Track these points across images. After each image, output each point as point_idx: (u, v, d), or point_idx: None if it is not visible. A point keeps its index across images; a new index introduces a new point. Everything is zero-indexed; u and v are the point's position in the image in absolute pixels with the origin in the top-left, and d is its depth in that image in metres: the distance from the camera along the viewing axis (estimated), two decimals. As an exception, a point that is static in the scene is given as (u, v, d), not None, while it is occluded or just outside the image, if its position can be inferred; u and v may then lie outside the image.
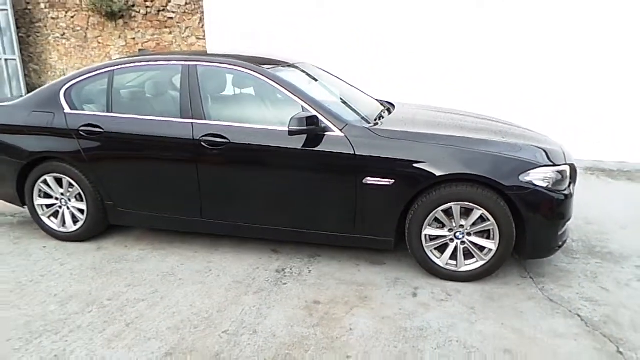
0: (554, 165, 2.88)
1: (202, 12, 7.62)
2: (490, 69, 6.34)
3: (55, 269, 3.20)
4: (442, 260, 3.00)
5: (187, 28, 7.80)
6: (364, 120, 3.19)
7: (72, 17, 8.31)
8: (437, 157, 2.85)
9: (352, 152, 2.93)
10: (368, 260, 3.33)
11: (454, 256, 2.99)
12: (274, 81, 3.16)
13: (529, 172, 2.80)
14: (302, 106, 3.06)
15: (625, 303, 2.77)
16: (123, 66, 3.47)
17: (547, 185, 2.81)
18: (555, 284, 3.00)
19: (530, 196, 2.78)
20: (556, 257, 3.29)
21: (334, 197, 3.04)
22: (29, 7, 8.49)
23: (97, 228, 3.60)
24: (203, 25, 7.68)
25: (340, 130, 2.99)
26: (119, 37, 8.17)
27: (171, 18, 7.82)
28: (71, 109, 3.45)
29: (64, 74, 8.72)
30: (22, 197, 3.66)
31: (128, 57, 3.64)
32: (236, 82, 3.57)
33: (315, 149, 2.97)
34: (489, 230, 2.89)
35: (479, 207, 2.83)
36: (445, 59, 6.45)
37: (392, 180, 2.89)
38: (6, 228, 3.93)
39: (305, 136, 3.00)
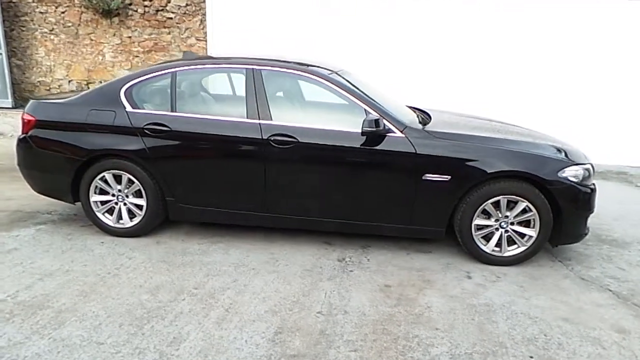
0: (582, 163, 3.38)
1: (203, 14, 7.72)
2: (471, 76, 6.92)
3: (126, 263, 3.31)
4: (488, 247, 3.41)
5: (187, 29, 7.85)
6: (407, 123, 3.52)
7: (63, 12, 8.11)
8: (488, 156, 3.26)
9: (414, 151, 3.28)
10: (415, 249, 3.70)
11: (497, 243, 3.41)
12: (337, 86, 3.45)
13: (564, 169, 3.27)
14: (364, 110, 3.37)
15: (643, 279, 3.31)
16: (185, 68, 3.64)
17: (578, 181, 3.30)
18: (580, 265, 3.50)
19: (566, 190, 3.25)
20: (574, 244, 3.79)
21: (395, 191, 3.38)
22: (13, 0, 8.19)
23: (153, 223, 3.73)
24: (203, 27, 7.77)
25: (401, 131, 3.34)
26: (114, 35, 8.07)
27: (170, 18, 7.84)
28: (133, 107, 3.57)
29: (51, 70, 8.49)
30: (75, 193, 3.72)
31: (189, 59, 3.79)
32: (298, 86, 3.82)
33: (382, 148, 3.30)
34: (529, 220, 3.33)
35: (524, 200, 3.26)
36: (450, 64, 6.95)
37: (449, 177, 3.27)
38: (51, 226, 3.94)
39: (366, 137, 3.32)
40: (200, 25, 7.79)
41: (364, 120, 3.21)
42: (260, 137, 3.38)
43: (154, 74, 3.64)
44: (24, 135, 3.73)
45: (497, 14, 6.75)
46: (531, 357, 2.41)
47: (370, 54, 7.09)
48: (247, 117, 3.46)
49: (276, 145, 3.37)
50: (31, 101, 3.85)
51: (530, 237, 3.35)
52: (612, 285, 3.20)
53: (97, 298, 2.83)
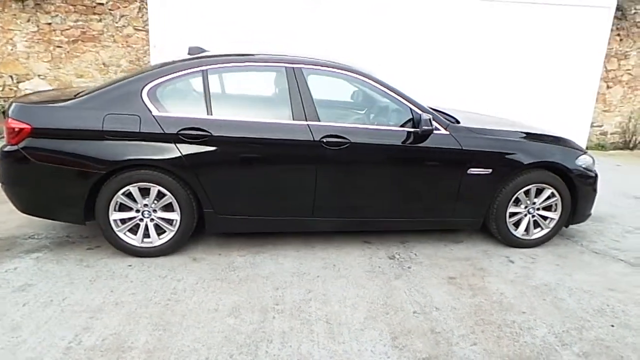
0: (587, 152, 3.87)
1: (142, 0, 6.97)
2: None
3: (179, 286, 2.96)
4: (518, 232, 3.74)
5: (122, 16, 7.03)
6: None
7: (-44, -8, 6.70)
8: (523, 149, 3.56)
9: (460, 148, 3.44)
10: (448, 240, 3.89)
11: (525, 228, 3.76)
12: (383, 85, 3.45)
13: (579, 157, 3.72)
14: (410, 109, 3.43)
15: (637, 247, 3.91)
16: (216, 66, 3.31)
17: (587, 167, 3.77)
18: (586, 241, 4.03)
19: (580, 176, 3.70)
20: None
21: (441, 186, 3.52)
22: None
23: (185, 239, 3.37)
24: (143, 15, 7.04)
25: (445, 129, 3.47)
26: (28, 20, 6.91)
27: (101, 4, 6.94)
28: (160, 111, 3.16)
29: (-60, 63, 6.97)
30: (87, 212, 3.20)
31: (218, 55, 3.42)
32: (339, 85, 3.71)
33: (430, 145, 3.40)
34: (551, 205, 3.73)
35: (550, 187, 3.64)
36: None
37: (491, 170, 3.51)
38: (49, 253, 3.33)
39: (413, 135, 3.40)
40: (139, 12, 7.04)
41: (421, 120, 3.27)
42: (312, 139, 3.25)
43: (181, 73, 3.25)
44: (14, 146, 3.07)
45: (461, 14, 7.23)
46: (612, 325, 2.75)
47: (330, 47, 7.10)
48: (294, 119, 3.29)
49: (328, 147, 3.27)
50: (15, 104, 3.17)
51: (552, 219, 3.75)
52: (621, 256, 3.75)
53: (180, 330, 2.50)
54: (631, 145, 8.36)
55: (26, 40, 6.97)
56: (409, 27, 7.17)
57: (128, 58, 7.20)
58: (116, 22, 7.04)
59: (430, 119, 3.30)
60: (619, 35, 7.92)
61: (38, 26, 6.93)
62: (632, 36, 7.96)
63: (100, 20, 7.00)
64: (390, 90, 3.46)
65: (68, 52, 7.07)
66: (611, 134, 8.43)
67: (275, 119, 3.32)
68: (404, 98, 3.46)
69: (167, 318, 2.61)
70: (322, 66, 3.43)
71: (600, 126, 8.34)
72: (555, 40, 7.49)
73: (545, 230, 3.78)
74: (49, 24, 6.94)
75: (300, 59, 3.42)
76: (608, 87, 8.14)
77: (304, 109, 3.30)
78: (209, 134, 3.15)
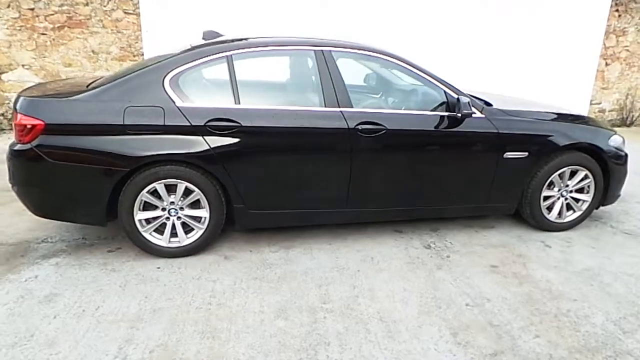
0: (616, 132, 3.80)
1: (132, -18, 6.57)
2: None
3: (217, 288, 2.79)
4: (551, 216, 3.67)
5: (110, 0, 6.62)
6: None
7: None
8: (559, 130, 3.47)
9: (496, 131, 3.33)
10: (478, 225, 3.80)
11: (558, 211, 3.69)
12: (416, 68, 3.29)
13: (611, 138, 3.65)
14: (444, 92, 3.29)
15: (665, 227, 3.91)
16: (241, 51, 3.09)
17: (618, 147, 3.71)
18: (614, 221, 3.99)
19: (613, 157, 3.64)
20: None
21: (478, 172, 3.40)
22: None
23: (214, 237, 3.19)
24: (133, -2, 6.64)
25: (481, 112, 3.34)
26: (8, 6, 6.43)
27: (88, -14, 6.52)
28: (184, 101, 2.94)
29: None
30: (109, 212, 2.98)
31: (241, 39, 3.19)
32: (369, 69, 3.53)
33: (468, 130, 3.27)
34: (583, 187, 3.66)
35: (584, 169, 3.56)
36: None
37: (527, 153, 3.40)
38: (68, 257, 3.10)
39: (451, 119, 3.26)
40: (128, -5, 6.64)
41: (461, 104, 3.13)
42: (346, 127, 3.08)
43: (204, 59, 3.02)
44: (26, 145, 2.81)
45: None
46: (666, 309, 2.71)
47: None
48: (326, 106, 3.11)
49: (364, 135, 3.11)
50: (24, 99, 2.90)
51: (585, 202, 3.69)
52: (652, 236, 3.74)
53: (230, 336, 2.35)
54: (628, 122, 8.42)
55: (7, 28, 6.51)
56: (408, 9, 6.97)
57: (119, 44, 6.81)
58: (104, 6, 6.63)
59: (469, 102, 3.16)
60: (617, 11, 7.89)
61: (20, 12, 6.47)
62: (631, 12, 7.94)
63: (87, 4, 6.58)
64: (424, 73, 3.30)
65: (54, 39, 6.64)
66: (609, 111, 8.47)
67: (307, 106, 3.14)
68: (437, 80, 3.31)
69: (213, 324, 2.44)
70: (352, 48, 3.24)
71: (599, 104, 8.36)
72: (555, 17, 7.40)
73: (578, 213, 3.72)
74: (32, 9, 6.48)
75: (328, 41, 3.22)
76: (606, 64, 8.14)
77: (336, 94, 3.11)
78: (238, 124, 2.95)
